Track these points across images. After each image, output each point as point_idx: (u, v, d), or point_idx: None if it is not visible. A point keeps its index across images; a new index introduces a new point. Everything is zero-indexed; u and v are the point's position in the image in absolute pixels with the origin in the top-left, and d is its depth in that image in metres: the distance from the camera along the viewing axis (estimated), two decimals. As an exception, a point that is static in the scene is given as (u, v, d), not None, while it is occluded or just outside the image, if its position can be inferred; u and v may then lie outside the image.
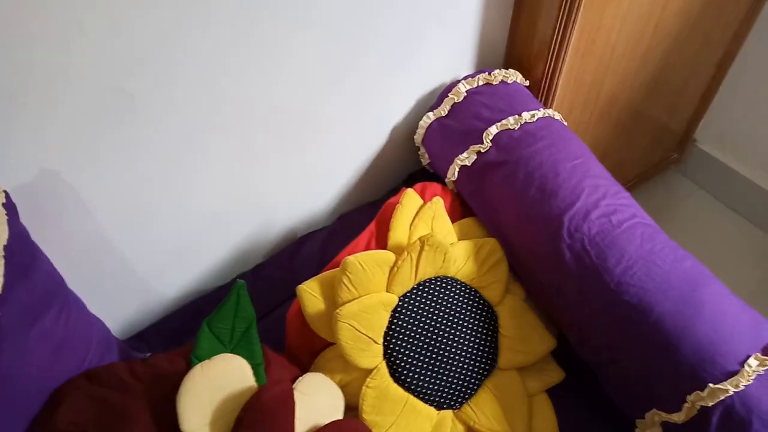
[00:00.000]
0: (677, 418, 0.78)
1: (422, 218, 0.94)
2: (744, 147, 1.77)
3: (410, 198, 0.96)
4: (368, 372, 0.88)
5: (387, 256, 0.87)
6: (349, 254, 0.92)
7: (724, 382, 0.74)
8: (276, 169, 1.06)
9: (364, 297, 0.85)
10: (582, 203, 0.92)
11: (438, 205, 0.97)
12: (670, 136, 1.82)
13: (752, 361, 0.75)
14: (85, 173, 0.81)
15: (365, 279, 0.85)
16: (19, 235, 0.69)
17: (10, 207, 0.69)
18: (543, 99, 1.22)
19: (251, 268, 1.15)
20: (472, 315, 0.95)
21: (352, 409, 0.88)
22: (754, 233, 1.80)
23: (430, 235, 0.87)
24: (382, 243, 0.95)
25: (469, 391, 0.93)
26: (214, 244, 1.08)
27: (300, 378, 0.83)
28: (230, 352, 0.81)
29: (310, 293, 0.86)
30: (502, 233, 1.01)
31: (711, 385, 0.75)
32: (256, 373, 0.79)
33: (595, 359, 0.91)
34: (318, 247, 1.16)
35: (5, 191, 0.69)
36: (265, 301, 1.09)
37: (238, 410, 0.69)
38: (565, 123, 1.10)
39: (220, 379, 0.70)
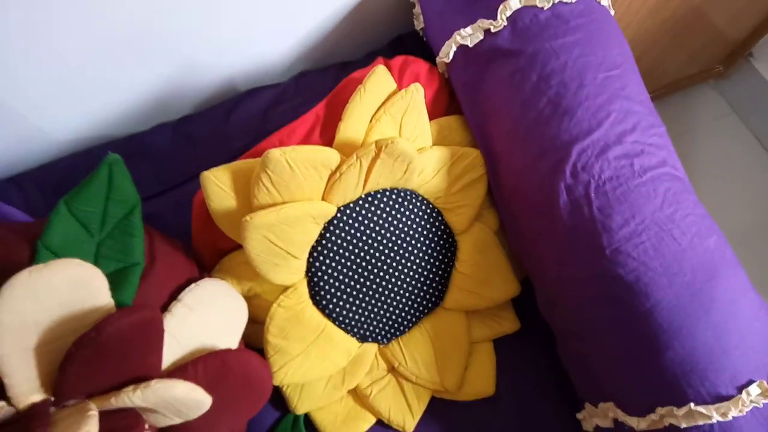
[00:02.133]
0: (635, 423, 0.65)
1: (389, 110, 0.70)
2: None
3: (379, 78, 0.71)
4: (284, 288, 0.71)
5: (328, 156, 0.65)
6: (281, 143, 0.70)
7: (709, 406, 0.59)
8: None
9: (287, 205, 0.64)
10: (601, 133, 0.68)
11: (416, 95, 0.72)
12: (722, 45, 1.51)
13: (753, 389, 0.59)
14: None
15: (293, 181, 0.63)
16: None
17: None
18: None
19: (174, 119, 0.91)
20: (426, 240, 0.75)
21: (259, 323, 0.72)
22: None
23: (391, 139, 0.64)
24: (328, 134, 0.71)
25: (401, 327, 0.77)
26: (121, 81, 0.83)
27: (190, 286, 0.65)
28: (99, 243, 0.61)
29: (218, 185, 0.65)
30: (489, 146, 0.78)
31: (692, 405, 0.59)
32: (127, 276, 0.60)
33: (561, 327, 0.75)
34: (262, 108, 0.91)
35: None
36: (185, 164, 0.88)
37: (78, 333, 0.52)
38: (612, 11, 0.82)
39: (56, 292, 0.51)
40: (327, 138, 0.71)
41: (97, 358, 0.51)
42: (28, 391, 0.52)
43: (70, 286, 0.52)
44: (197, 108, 0.93)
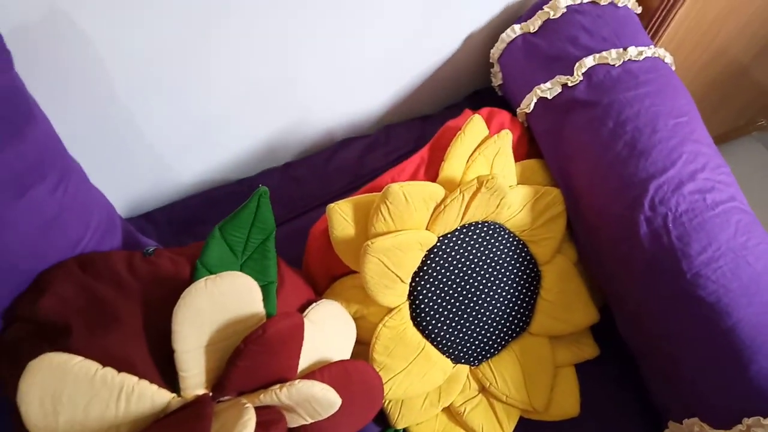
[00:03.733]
0: (724, 437, 0.69)
1: (484, 152, 0.81)
2: None
3: (475, 126, 0.81)
4: (388, 310, 0.79)
5: (435, 190, 0.75)
6: (393, 180, 0.80)
7: None
8: (321, 57, 0.91)
9: (400, 232, 0.74)
10: (676, 172, 0.77)
11: (505, 140, 0.82)
12: (765, 100, 1.60)
13: None
14: (101, 20, 0.67)
15: (406, 212, 0.73)
16: (11, 87, 0.57)
17: (4, 53, 0.57)
18: (652, 32, 1.02)
19: (280, 165, 1.03)
20: (514, 270, 0.84)
21: (363, 344, 0.80)
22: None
23: (492, 176, 0.74)
24: (432, 172, 0.82)
25: (491, 350, 0.84)
26: (241, 132, 0.96)
27: (313, 305, 0.75)
28: (242, 264, 0.71)
29: (341, 215, 0.75)
30: (569, 185, 0.87)
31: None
32: (266, 292, 0.70)
33: (644, 349, 0.81)
34: (356, 155, 1.03)
35: (-2, 33, 0.57)
36: (290, 205, 0.99)
37: (239, 336, 0.61)
38: (674, 68, 0.92)
39: (225, 298, 0.61)
40: (430, 176, 0.81)
41: (260, 354, 0.60)
42: (195, 385, 0.61)
43: (237, 294, 0.62)
44: (300, 155, 1.05)
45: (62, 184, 0.63)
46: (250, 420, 0.57)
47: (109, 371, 0.56)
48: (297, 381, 0.63)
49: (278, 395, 0.62)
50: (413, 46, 0.99)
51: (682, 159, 0.78)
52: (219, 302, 0.61)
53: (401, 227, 0.75)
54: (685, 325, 0.72)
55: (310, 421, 0.67)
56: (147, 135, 0.86)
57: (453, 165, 0.79)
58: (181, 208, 0.97)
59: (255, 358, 0.60)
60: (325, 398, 0.65)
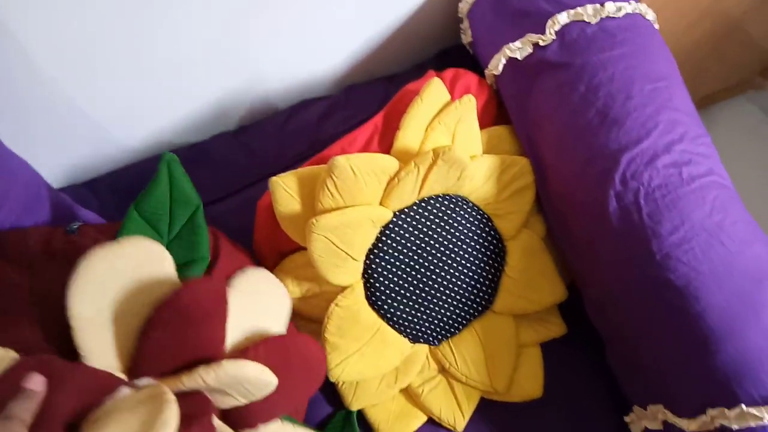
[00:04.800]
0: (686, 425, 0.66)
1: (444, 120, 0.74)
2: None
3: (434, 90, 0.74)
4: (341, 289, 0.75)
5: (388, 163, 0.68)
6: (343, 150, 0.74)
7: (761, 407, 0.60)
8: (273, 10, 0.82)
9: (349, 208, 0.68)
10: (650, 143, 0.71)
11: (468, 105, 0.75)
12: (759, 57, 1.52)
13: None
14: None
15: (355, 187, 0.67)
16: None
17: None
18: (635, -15, 0.94)
19: (233, 129, 0.96)
20: (477, 245, 0.78)
21: (316, 323, 0.76)
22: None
23: (448, 147, 0.67)
24: (386, 142, 0.75)
25: (452, 329, 0.80)
26: (189, 93, 0.88)
27: (238, 273, 0.67)
28: (168, 243, 0.65)
29: (285, 189, 0.69)
30: (538, 154, 0.81)
31: (743, 406, 0.61)
32: (193, 267, 0.64)
33: (610, 331, 0.77)
34: (315, 118, 0.96)
35: None
36: (243, 173, 0.93)
37: (148, 307, 0.53)
38: (657, 26, 0.84)
39: (128, 265, 0.53)
40: (385, 146, 0.75)
41: (176, 325, 0.53)
42: (103, 367, 0.52)
43: (142, 259, 0.54)
44: (255, 118, 0.98)
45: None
46: (169, 419, 0.51)
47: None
48: (225, 361, 0.57)
49: (204, 378, 0.54)
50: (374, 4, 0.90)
51: (658, 129, 0.71)
52: (121, 270, 0.53)
53: (351, 203, 0.69)
54: (652, 309, 0.68)
55: (244, 402, 0.62)
56: (83, 94, 0.78)
57: (409, 134, 0.72)
58: (125, 174, 0.90)
59: (170, 329, 0.53)
60: (260, 379, 0.58)
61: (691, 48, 1.28)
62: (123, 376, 0.53)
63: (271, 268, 0.79)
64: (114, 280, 0.52)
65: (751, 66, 1.54)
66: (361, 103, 0.98)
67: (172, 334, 0.54)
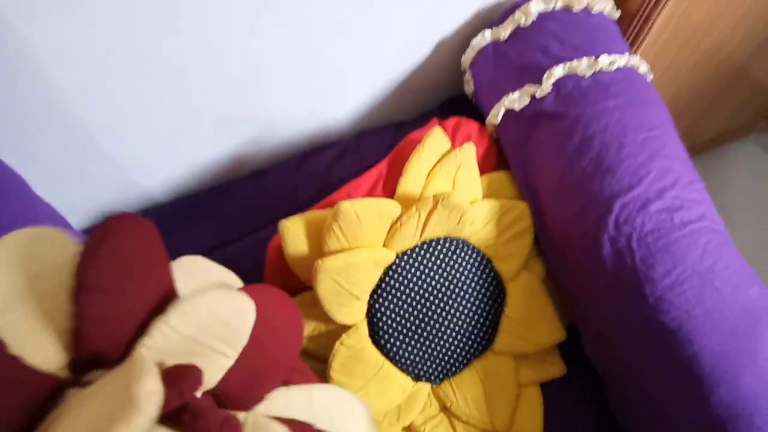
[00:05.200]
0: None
1: (445, 167, 0.78)
2: None
3: (435, 138, 0.79)
4: (346, 328, 0.78)
5: (390, 207, 0.73)
6: (349, 196, 0.78)
7: None
8: (288, 62, 0.88)
9: (354, 251, 0.72)
10: (642, 189, 0.74)
11: (468, 153, 0.80)
12: (763, 100, 1.55)
13: None
14: (43, 21, 0.65)
15: (359, 230, 0.71)
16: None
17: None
18: (632, 36, 0.99)
19: (249, 174, 1.02)
20: (477, 287, 0.81)
21: (321, 361, 0.79)
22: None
23: (447, 194, 0.71)
24: (390, 187, 0.79)
25: (453, 369, 0.82)
26: (206, 141, 0.94)
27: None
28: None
29: (293, 232, 0.73)
30: (536, 200, 0.84)
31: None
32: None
33: (608, 370, 0.79)
34: (326, 164, 1.01)
35: None
36: (259, 214, 0.98)
37: (67, 279, 0.43)
38: (650, 77, 0.88)
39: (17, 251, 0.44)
40: (388, 191, 0.79)
41: (107, 276, 0.43)
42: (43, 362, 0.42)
43: (45, 241, 0.46)
44: (270, 163, 1.04)
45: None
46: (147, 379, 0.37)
47: None
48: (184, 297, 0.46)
49: (171, 324, 0.43)
50: (384, 51, 0.96)
51: (650, 176, 0.75)
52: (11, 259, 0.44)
53: (355, 245, 0.73)
54: (646, 351, 0.70)
55: (233, 354, 0.49)
56: (108, 138, 0.84)
57: (411, 181, 0.76)
58: (148, 217, 0.96)
59: (100, 288, 0.42)
60: (236, 307, 0.49)
61: (696, 90, 1.32)
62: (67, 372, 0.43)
63: (281, 307, 0.83)
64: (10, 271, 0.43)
65: (756, 108, 1.56)
66: (370, 148, 1.03)
67: (103, 295, 0.43)
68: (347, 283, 0.73)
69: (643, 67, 0.87)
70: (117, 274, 0.43)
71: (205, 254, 0.82)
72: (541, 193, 0.83)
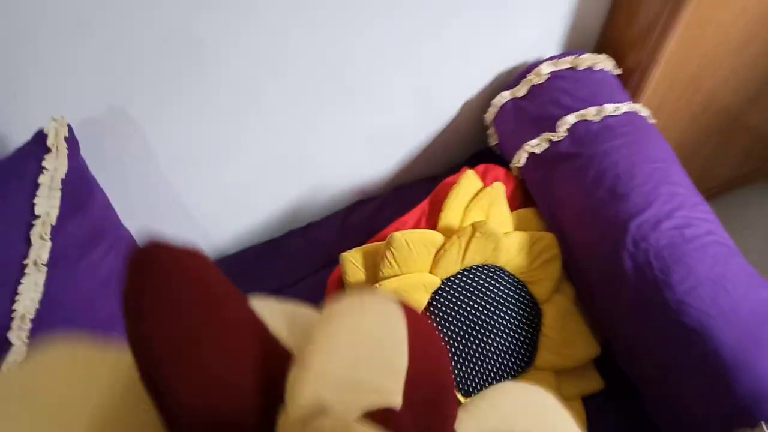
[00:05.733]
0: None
1: (479, 202, 0.90)
2: None
3: (469, 179, 0.92)
4: (400, 350, 0.87)
5: (435, 237, 0.84)
6: (397, 230, 0.90)
7: None
8: (336, 130, 1.05)
9: (406, 275, 0.83)
10: (654, 211, 0.85)
11: (498, 190, 0.92)
12: (764, 147, 1.65)
13: None
14: (150, 113, 0.82)
15: (409, 257, 0.83)
16: (78, 169, 0.71)
17: (72, 141, 0.71)
18: (633, 91, 1.13)
19: (302, 226, 1.15)
20: (516, 309, 0.91)
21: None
22: None
23: (483, 222, 0.83)
24: (432, 222, 0.91)
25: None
26: (266, 199, 1.09)
27: None
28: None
29: (353, 262, 0.85)
30: (561, 230, 0.95)
31: (763, 424, 0.69)
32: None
33: (641, 376, 0.86)
34: (368, 215, 1.14)
35: (69, 125, 0.71)
36: (311, 262, 1.10)
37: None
38: (652, 121, 1.01)
39: None
40: (430, 226, 0.91)
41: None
42: None
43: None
44: (320, 216, 1.17)
45: (113, 250, 0.75)
46: None
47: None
48: None
49: None
50: (416, 115, 1.12)
51: (660, 200, 0.86)
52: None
53: (406, 271, 0.84)
54: (674, 352, 0.78)
55: None
56: (186, 205, 0.99)
57: (450, 214, 0.88)
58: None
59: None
60: None
61: (698, 139, 1.43)
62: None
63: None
64: None
65: (761, 153, 1.66)
66: (407, 200, 1.15)
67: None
68: (401, 306, 0.83)
69: (644, 112, 1.00)
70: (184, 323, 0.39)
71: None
72: (565, 224, 0.94)
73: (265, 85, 0.89)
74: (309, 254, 1.11)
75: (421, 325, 0.52)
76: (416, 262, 0.84)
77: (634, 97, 1.13)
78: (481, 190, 0.92)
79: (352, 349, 0.46)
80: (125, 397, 0.43)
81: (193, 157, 0.92)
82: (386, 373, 0.46)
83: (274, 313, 0.54)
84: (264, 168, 1.03)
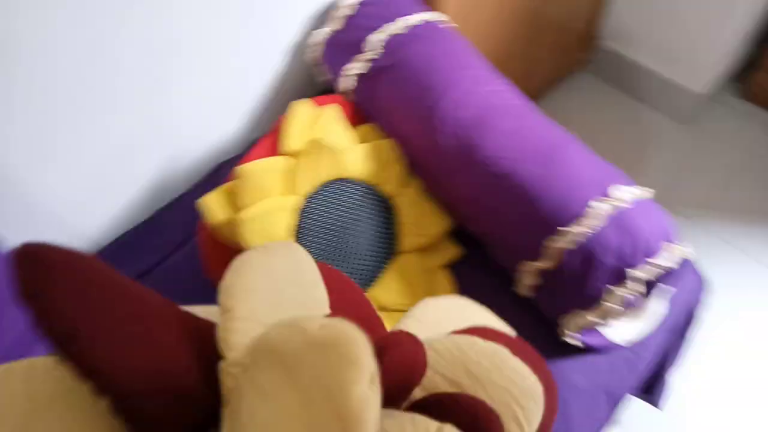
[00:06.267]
0: (544, 264, 0.89)
1: (316, 125, 1.00)
2: (646, 40, 1.84)
3: (302, 106, 1.02)
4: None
5: (279, 162, 0.94)
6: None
7: (572, 225, 0.85)
8: (187, 95, 1.11)
9: (263, 201, 0.92)
10: (456, 92, 0.99)
11: (333, 110, 1.03)
12: (573, 37, 1.86)
13: (594, 203, 0.85)
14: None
15: (261, 184, 0.92)
16: None
17: None
18: (436, 6, 1.27)
19: (176, 198, 1.20)
20: (373, 208, 1.03)
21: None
22: (670, 125, 1.90)
23: (320, 139, 0.94)
24: (276, 152, 1.01)
25: (374, 276, 1.02)
26: (130, 180, 1.14)
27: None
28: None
29: (209, 205, 0.92)
30: (396, 134, 1.08)
31: (560, 228, 0.85)
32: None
33: (477, 230, 1.02)
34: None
35: None
36: (185, 231, 1.14)
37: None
38: (454, 25, 1.16)
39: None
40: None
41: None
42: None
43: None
44: (188, 185, 1.22)
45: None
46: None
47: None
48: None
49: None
50: (248, 68, 1.20)
51: (461, 82, 1.00)
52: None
53: (262, 197, 0.92)
54: (496, 198, 0.93)
55: None
56: (50, 203, 1.02)
57: (290, 140, 0.98)
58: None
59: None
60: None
61: (513, 42, 1.59)
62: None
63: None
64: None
65: (569, 46, 1.87)
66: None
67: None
68: (266, 229, 0.92)
69: (443, 18, 1.14)
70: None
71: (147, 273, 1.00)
72: (396, 128, 1.07)
73: (100, 67, 0.94)
74: (181, 224, 1.16)
75: (324, 265, 0.60)
76: (269, 189, 0.93)
77: (439, 9, 1.27)
78: (318, 113, 1.03)
79: (272, 289, 0.51)
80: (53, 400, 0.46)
81: (38, 143, 0.95)
82: (311, 307, 0.52)
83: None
84: (120, 149, 1.07)
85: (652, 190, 0.93)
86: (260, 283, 0.52)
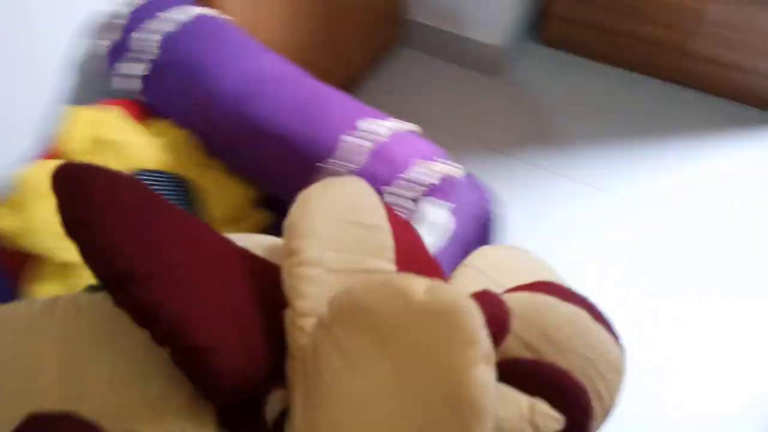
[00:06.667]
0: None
1: (104, 124, 1.05)
2: (445, 8, 2.02)
3: (81, 110, 1.06)
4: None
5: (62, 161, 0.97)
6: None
7: (329, 160, 0.96)
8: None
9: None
10: (224, 83, 1.08)
11: (116, 111, 1.08)
12: (379, 16, 1.95)
13: (346, 138, 0.97)
14: None
15: (45, 188, 0.95)
16: None
17: None
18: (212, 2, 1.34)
19: None
20: (175, 194, 1.08)
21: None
22: (484, 79, 2.09)
23: (103, 134, 0.99)
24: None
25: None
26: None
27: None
28: None
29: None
30: (188, 124, 1.15)
31: (317, 164, 0.96)
32: None
33: (277, 191, 1.10)
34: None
35: None
36: None
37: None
38: (231, 18, 1.24)
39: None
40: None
41: None
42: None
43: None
44: None
45: None
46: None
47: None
48: None
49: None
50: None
51: (231, 74, 1.09)
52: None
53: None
54: (274, 158, 1.03)
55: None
56: None
57: (72, 143, 1.02)
58: None
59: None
60: None
61: (316, 35, 1.66)
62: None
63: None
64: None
65: (378, 24, 1.97)
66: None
67: None
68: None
69: (217, 14, 1.22)
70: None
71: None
72: (185, 118, 1.14)
73: None
74: None
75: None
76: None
77: (215, 7, 1.35)
78: (99, 115, 1.07)
79: (339, 232, 0.42)
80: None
81: None
82: (377, 253, 0.44)
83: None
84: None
85: (414, 126, 1.05)
86: (327, 224, 0.47)
